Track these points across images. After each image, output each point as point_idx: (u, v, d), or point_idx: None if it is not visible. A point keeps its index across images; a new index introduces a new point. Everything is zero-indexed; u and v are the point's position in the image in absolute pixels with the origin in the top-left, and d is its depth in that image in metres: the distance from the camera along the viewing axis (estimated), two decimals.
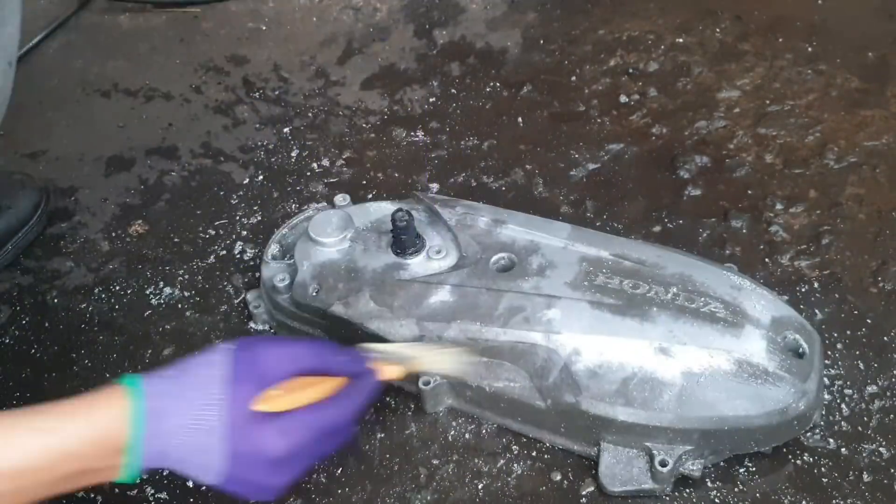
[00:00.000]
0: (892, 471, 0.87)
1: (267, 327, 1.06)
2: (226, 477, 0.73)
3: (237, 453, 0.72)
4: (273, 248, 1.06)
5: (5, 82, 1.00)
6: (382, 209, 1.05)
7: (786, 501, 0.86)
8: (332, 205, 1.11)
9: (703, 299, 0.89)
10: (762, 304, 0.90)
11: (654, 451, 0.85)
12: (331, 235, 1.01)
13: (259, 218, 1.20)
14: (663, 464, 0.84)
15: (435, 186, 1.21)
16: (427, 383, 0.92)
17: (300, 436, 0.75)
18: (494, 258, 0.96)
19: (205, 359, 0.75)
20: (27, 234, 1.20)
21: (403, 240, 0.97)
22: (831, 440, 0.90)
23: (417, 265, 0.98)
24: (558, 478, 0.90)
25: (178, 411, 0.71)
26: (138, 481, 0.92)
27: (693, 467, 0.86)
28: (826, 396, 0.92)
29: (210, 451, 0.72)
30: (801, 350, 0.88)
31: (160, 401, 0.71)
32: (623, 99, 1.32)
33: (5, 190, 1.20)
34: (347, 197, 1.10)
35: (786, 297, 0.99)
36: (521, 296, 0.92)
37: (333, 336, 0.99)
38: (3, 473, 0.66)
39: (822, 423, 0.91)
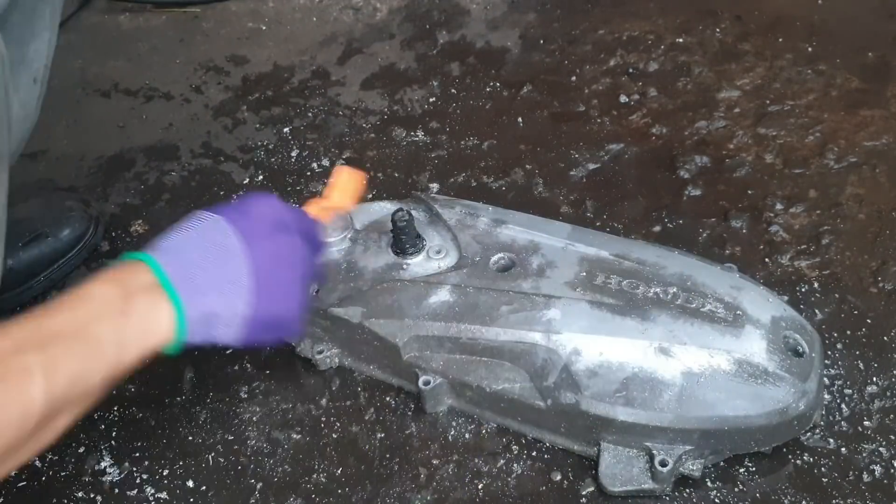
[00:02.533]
0: (892, 471, 0.87)
1: None
2: (254, 312, 0.77)
3: (259, 282, 0.78)
4: None
5: (28, 99, 0.97)
6: (383, 209, 1.05)
7: (786, 501, 0.86)
8: None
9: (703, 299, 0.89)
10: (762, 304, 0.90)
11: (655, 451, 0.85)
12: (331, 235, 1.01)
13: None
14: (663, 464, 0.84)
15: (435, 186, 1.22)
16: (427, 383, 0.93)
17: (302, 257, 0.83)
18: (494, 258, 0.96)
19: (193, 224, 0.80)
20: (63, 267, 1.14)
21: (403, 240, 0.97)
22: (831, 440, 0.90)
23: (417, 265, 0.98)
24: (558, 478, 0.90)
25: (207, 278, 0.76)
26: (132, 481, 0.92)
27: (693, 467, 0.86)
28: (826, 396, 0.92)
29: (238, 286, 0.77)
30: (801, 350, 0.88)
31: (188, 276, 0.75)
32: (623, 99, 1.32)
33: (51, 216, 1.15)
34: None
35: (786, 297, 0.99)
36: (521, 296, 0.92)
37: (335, 336, 0.99)
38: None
39: (822, 423, 0.91)
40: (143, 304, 0.72)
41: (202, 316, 0.75)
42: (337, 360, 1.00)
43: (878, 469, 0.87)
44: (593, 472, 0.89)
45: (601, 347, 0.87)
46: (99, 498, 0.93)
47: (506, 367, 0.90)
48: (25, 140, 1.00)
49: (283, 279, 0.80)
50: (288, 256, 0.81)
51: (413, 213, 0.99)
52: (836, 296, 1.03)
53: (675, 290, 0.90)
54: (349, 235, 1.01)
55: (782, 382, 0.85)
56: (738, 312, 0.88)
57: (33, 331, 0.67)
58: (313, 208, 0.93)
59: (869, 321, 1.00)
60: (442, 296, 0.94)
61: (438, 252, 0.98)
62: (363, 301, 0.95)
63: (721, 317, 0.88)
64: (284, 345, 1.03)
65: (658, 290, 0.90)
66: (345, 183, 0.96)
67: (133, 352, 0.72)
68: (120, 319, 0.71)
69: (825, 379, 0.93)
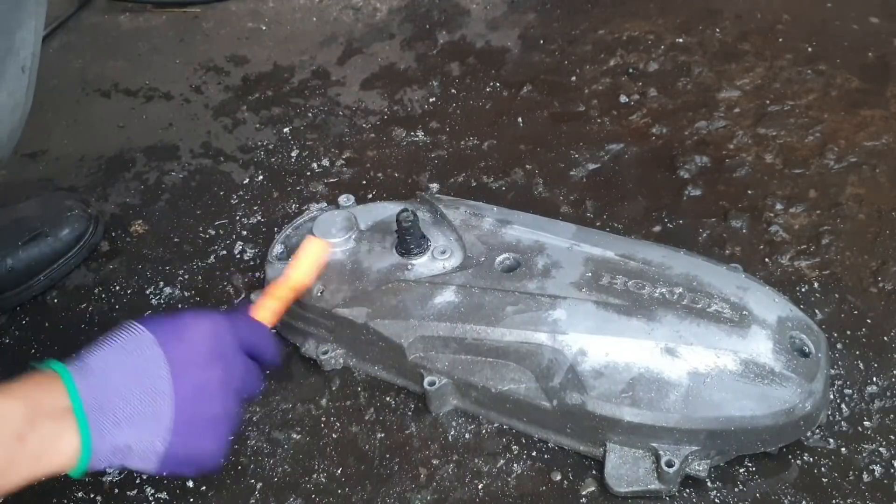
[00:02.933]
0: (892, 471, 0.87)
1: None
2: (172, 450, 0.74)
3: (181, 420, 0.74)
4: (277, 249, 1.06)
5: (17, 88, 0.96)
6: (387, 209, 1.05)
7: (786, 501, 0.86)
8: (335, 205, 1.11)
9: (709, 299, 0.89)
10: (768, 304, 0.90)
11: (661, 452, 0.85)
12: (335, 236, 1.01)
13: (259, 218, 1.20)
14: (669, 464, 0.84)
15: (435, 186, 1.21)
16: (432, 384, 0.92)
17: (231, 387, 0.78)
18: (499, 258, 0.96)
19: (125, 343, 0.75)
20: (62, 267, 1.13)
21: (408, 240, 0.97)
22: (831, 440, 0.90)
23: (422, 265, 0.98)
24: (558, 478, 0.90)
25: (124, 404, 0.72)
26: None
27: (699, 468, 0.86)
28: None
29: (159, 424, 0.73)
30: (807, 350, 0.88)
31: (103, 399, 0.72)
32: (623, 99, 1.32)
33: (50, 215, 1.15)
34: (352, 197, 1.10)
35: (786, 297, 0.99)
36: (526, 296, 0.92)
37: (340, 337, 0.99)
38: None
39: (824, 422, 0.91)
40: (47, 431, 0.69)
41: (112, 448, 0.72)
42: (342, 360, 1.00)
43: (878, 469, 0.87)
44: (593, 471, 0.89)
45: (607, 348, 0.87)
46: (99, 498, 0.92)
47: (511, 368, 0.90)
48: (18, 132, 0.99)
49: (207, 416, 0.76)
50: (218, 391, 0.77)
51: (418, 213, 0.98)
52: (836, 296, 1.03)
53: (680, 290, 0.90)
54: (353, 236, 1.01)
55: (788, 383, 0.85)
56: (745, 313, 0.88)
57: None
58: (260, 309, 0.88)
59: (869, 321, 1.00)
60: (447, 296, 0.94)
61: (443, 252, 0.98)
62: (368, 301, 0.95)
63: (727, 317, 0.88)
64: (287, 344, 1.03)
65: (664, 290, 0.90)
66: (311, 255, 0.94)
67: (23, 475, 0.69)
68: (14, 443, 0.68)
69: None
